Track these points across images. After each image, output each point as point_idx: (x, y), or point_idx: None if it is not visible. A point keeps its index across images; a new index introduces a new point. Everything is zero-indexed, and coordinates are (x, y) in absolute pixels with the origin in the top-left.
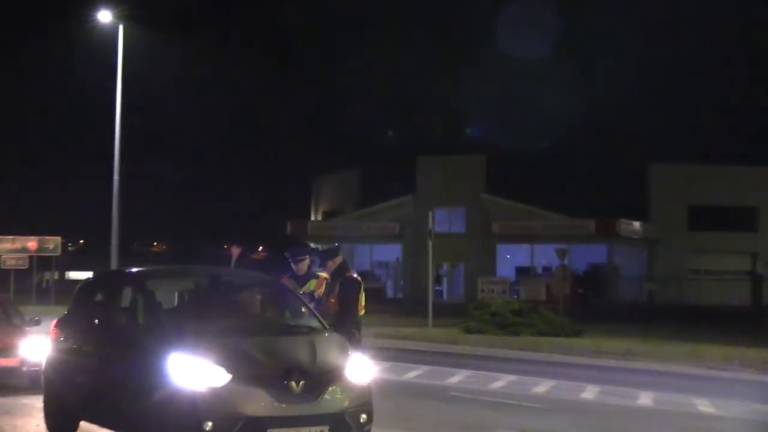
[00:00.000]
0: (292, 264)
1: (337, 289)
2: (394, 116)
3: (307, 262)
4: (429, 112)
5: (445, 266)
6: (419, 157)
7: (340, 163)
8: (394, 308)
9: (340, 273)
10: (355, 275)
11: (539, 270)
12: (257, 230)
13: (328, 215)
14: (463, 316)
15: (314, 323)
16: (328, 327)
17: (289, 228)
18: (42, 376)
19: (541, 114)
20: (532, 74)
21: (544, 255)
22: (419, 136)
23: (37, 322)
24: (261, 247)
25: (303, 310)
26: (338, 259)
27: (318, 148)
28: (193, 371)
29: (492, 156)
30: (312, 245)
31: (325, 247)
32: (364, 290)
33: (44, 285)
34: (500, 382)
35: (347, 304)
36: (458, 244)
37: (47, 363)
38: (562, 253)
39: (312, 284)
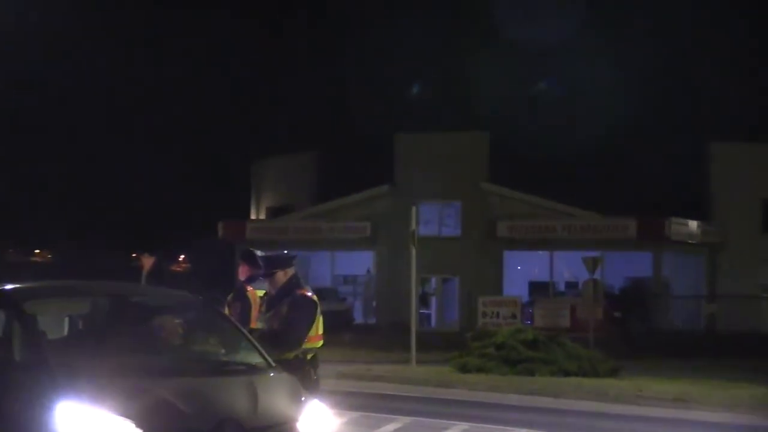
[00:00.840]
0: (260, 277)
1: (284, 309)
2: (365, 84)
3: (283, 273)
4: (414, 80)
5: (434, 281)
6: (399, 134)
7: (291, 143)
8: (365, 338)
9: (288, 290)
10: (309, 293)
11: (561, 286)
12: (177, 234)
13: (274, 213)
14: (457, 348)
15: (256, 359)
16: (274, 364)
17: (220, 230)
18: None
19: (568, 86)
20: (556, 50)
21: (568, 266)
22: (399, 109)
23: None
24: (182, 257)
25: (242, 340)
26: (290, 271)
27: (261, 124)
28: (89, 426)
29: (498, 134)
30: (260, 253)
31: (271, 253)
32: (323, 313)
33: None
34: None
35: (292, 327)
36: (451, 251)
37: None
38: (592, 264)
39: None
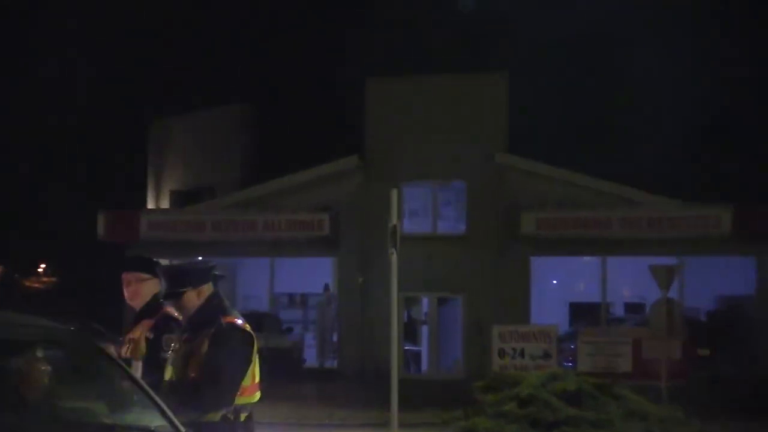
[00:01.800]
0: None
1: (204, 348)
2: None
3: (196, 292)
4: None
5: (426, 303)
6: (371, 79)
7: (208, 93)
8: (322, 389)
9: (206, 318)
10: (239, 321)
11: (618, 310)
12: (35, 235)
13: (182, 199)
14: (462, 405)
15: (157, 421)
16: (184, 430)
17: (101, 225)
18: None
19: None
20: None
21: (629, 279)
22: (372, 44)
23: None
24: (43, 266)
25: (135, 393)
26: (206, 290)
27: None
28: None
29: (521, 82)
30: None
31: (178, 263)
32: (259, 352)
33: None
34: None
35: (219, 374)
36: (452, 257)
37: None
38: (665, 276)
39: (199, 339)
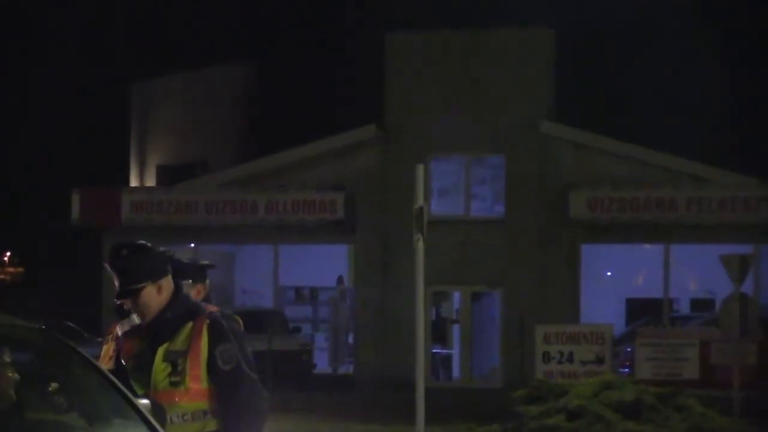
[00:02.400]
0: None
1: (201, 348)
2: None
3: (155, 290)
4: None
5: (458, 299)
6: (391, 34)
7: (201, 51)
8: (334, 400)
9: (182, 313)
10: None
11: (683, 307)
12: None
13: (170, 176)
14: (499, 418)
15: None
16: None
17: (76, 206)
18: None
19: None
20: None
21: (696, 270)
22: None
23: None
24: (8, 254)
25: (117, 403)
26: (166, 282)
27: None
28: None
29: (569, 39)
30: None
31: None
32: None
33: None
34: None
35: (252, 371)
36: (489, 245)
37: None
38: (738, 267)
39: (180, 339)
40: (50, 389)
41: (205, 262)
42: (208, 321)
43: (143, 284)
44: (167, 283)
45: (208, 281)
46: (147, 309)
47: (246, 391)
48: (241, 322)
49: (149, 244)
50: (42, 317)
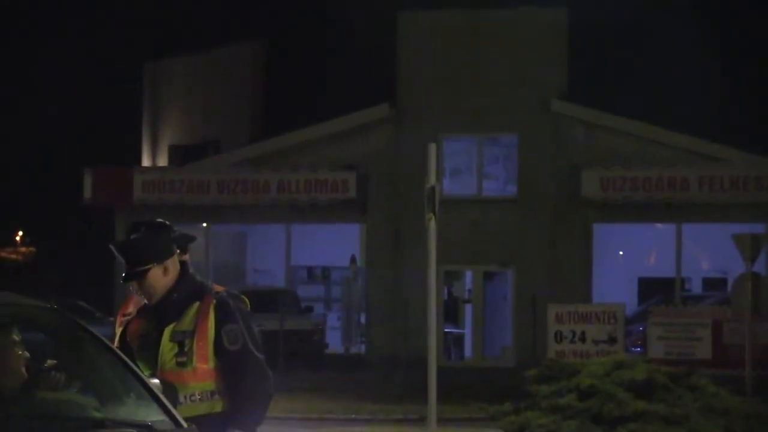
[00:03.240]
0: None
1: (207, 328)
2: None
3: (161, 271)
4: None
5: (470, 279)
6: (403, 13)
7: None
8: (347, 379)
9: (190, 293)
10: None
11: (696, 286)
12: (11, 194)
13: (182, 155)
14: (511, 397)
15: (154, 415)
16: (187, 425)
17: (88, 186)
18: None
19: None
20: None
21: (708, 249)
22: None
23: None
24: (20, 234)
25: (130, 382)
26: (172, 263)
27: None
28: None
29: (583, 17)
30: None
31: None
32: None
33: None
34: None
35: (260, 350)
36: (501, 224)
37: None
38: (750, 246)
39: (187, 320)
40: (46, 365)
41: (188, 234)
42: (214, 301)
43: (149, 266)
44: (173, 263)
45: (175, 257)
46: (153, 290)
47: (252, 371)
48: (247, 301)
49: (166, 222)
50: (54, 297)
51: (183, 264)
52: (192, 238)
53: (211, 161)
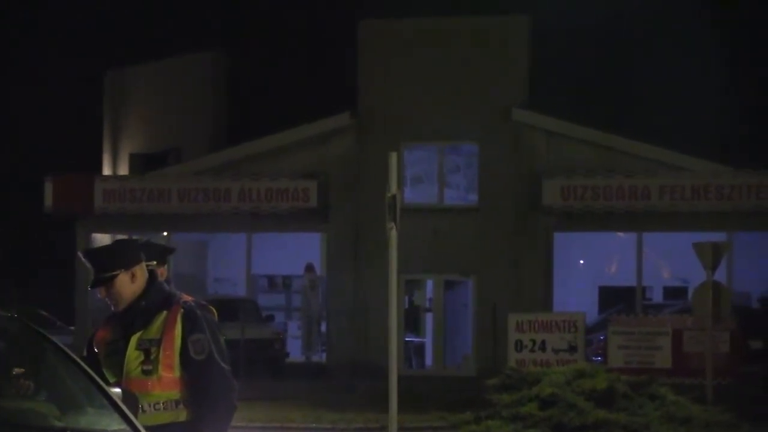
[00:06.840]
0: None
1: (174, 337)
2: None
3: (129, 277)
4: None
5: (431, 288)
6: (365, 21)
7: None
8: (308, 388)
9: (157, 301)
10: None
11: (656, 295)
12: None
13: (143, 163)
14: (472, 406)
15: (114, 424)
16: None
17: (49, 194)
18: None
19: None
20: None
21: (669, 258)
22: None
23: None
24: None
25: (90, 392)
26: (139, 270)
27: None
28: None
29: (543, 27)
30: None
31: (141, 239)
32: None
33: None
34: None
35: (226, 361)
36: (462, 233)
37: None
38: (711, 255)
39: (154, 328)
40: (14, 373)
41: (168, 246)
42: (182, 310)
43: (116, 272)
44: (141, 271)
45: (143, 265)
46: (120, 297)
47: (217, 382)
48: (215, 312)
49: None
50: (14, 305)
51: (152, 273)
52: (171, 250)
53: (172, 170)
